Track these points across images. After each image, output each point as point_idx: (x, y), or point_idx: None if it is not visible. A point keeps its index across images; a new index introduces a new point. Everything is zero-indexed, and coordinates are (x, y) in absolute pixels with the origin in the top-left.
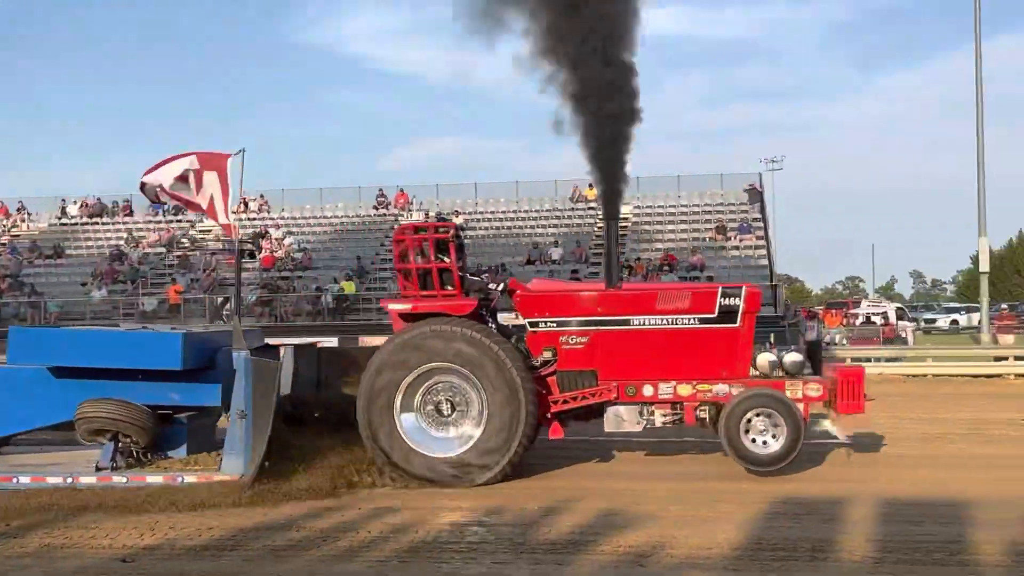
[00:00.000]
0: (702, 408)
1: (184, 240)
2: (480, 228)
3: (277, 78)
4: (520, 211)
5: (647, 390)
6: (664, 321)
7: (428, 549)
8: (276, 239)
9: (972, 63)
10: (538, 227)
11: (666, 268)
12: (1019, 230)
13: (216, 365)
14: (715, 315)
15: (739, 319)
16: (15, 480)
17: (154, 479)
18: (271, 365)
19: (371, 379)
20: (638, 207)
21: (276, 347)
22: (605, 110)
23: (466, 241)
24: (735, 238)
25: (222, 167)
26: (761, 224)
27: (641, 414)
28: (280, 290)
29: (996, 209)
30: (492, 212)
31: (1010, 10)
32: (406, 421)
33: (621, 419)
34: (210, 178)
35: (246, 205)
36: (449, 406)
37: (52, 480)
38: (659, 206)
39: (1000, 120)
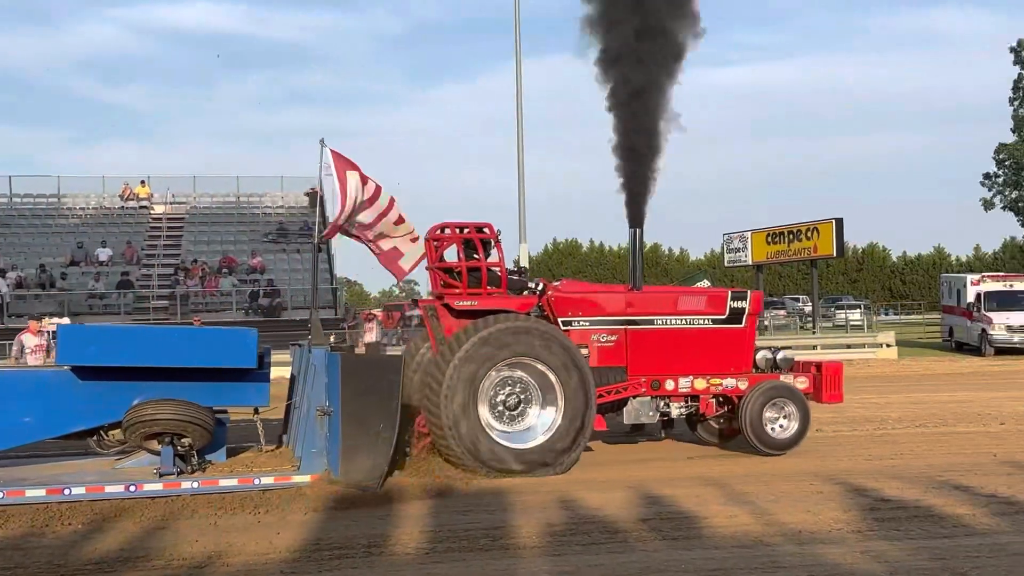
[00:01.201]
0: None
1: None
2: (14, 225)
3: None
4: (63, 208)
5: (669, 384)
6: (683, 321)
7: None
8: None
9: (515, 82)
10: (83, 226)
11: (225, 271)
12: (553, 238)
13: (264, 364)
14: (725, 316)
15: (744, 320)
16: (66, 491)
17: (228, 483)
18: (380, 361)
19: (470, 349)
20: (194, 208)
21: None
22: (637, 120)
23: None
24: (296, 241)
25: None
26: (321, 227)
27: (657, 407)
28: None
29: (535, 218)
30: (30, 209)
31: (550, 34)
32: (482, 413)
33: (639, 411)
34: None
35: None
36: (515, 399)
37: (111, 489)
38: (217, 207)
39: (539, 136)
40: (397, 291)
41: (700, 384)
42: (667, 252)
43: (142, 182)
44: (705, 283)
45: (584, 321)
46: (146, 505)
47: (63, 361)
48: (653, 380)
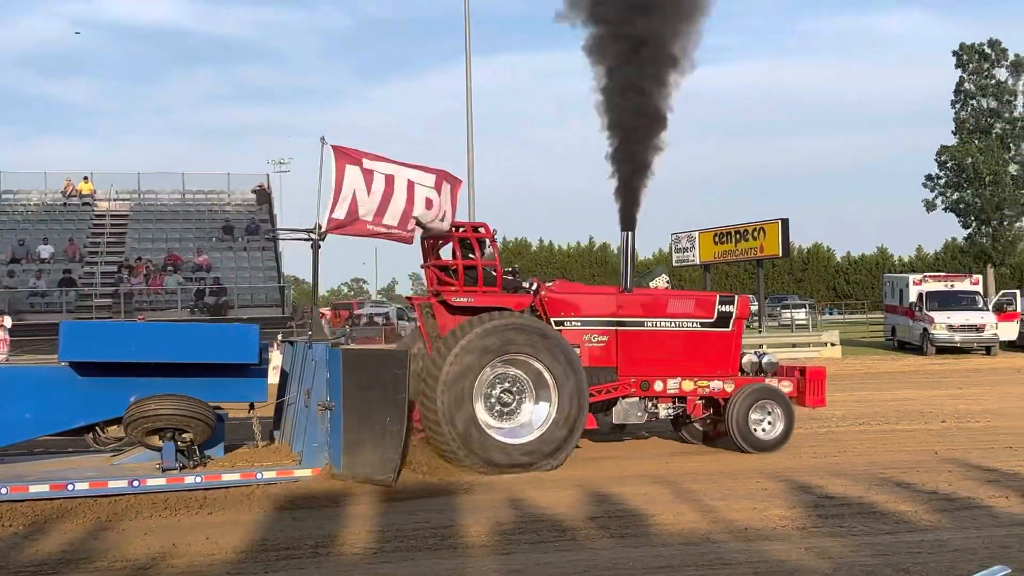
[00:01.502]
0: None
1: None
2: None
3: None
4: (3, 205)
5: (658, 385)
6: (672, 324)
7: None
8: None
9: (464, 80)
10: (24, 223)
11: (170, 268)
12: (503, 236)
13: (263, 360)
14: (713, 319)
15: (731, 324)
16: (70, 487)
17: (230, 477)
18: (383, 356)
19: (467, 345)
20: (139, 204)
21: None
22: (632, 126)
23: None
24: (242, 239)
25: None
26: (269, 225)
27: (646, 408)
28: None
29: (483, 217)
30: None
31: (499, 33)
32: (477, 409)
33: (628, 412)
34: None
35: None
36: (509, 395)
37: (114, 485)
38: (162, 204)
39: (488, 134)
40: (346, 290)
41: (688, 386)
42: (616, 251)
43: (85, 178)
44: (664, 278)
45: (576, 321)
46: (89, 506)
47: (66, 357)
48: (642, 381)
